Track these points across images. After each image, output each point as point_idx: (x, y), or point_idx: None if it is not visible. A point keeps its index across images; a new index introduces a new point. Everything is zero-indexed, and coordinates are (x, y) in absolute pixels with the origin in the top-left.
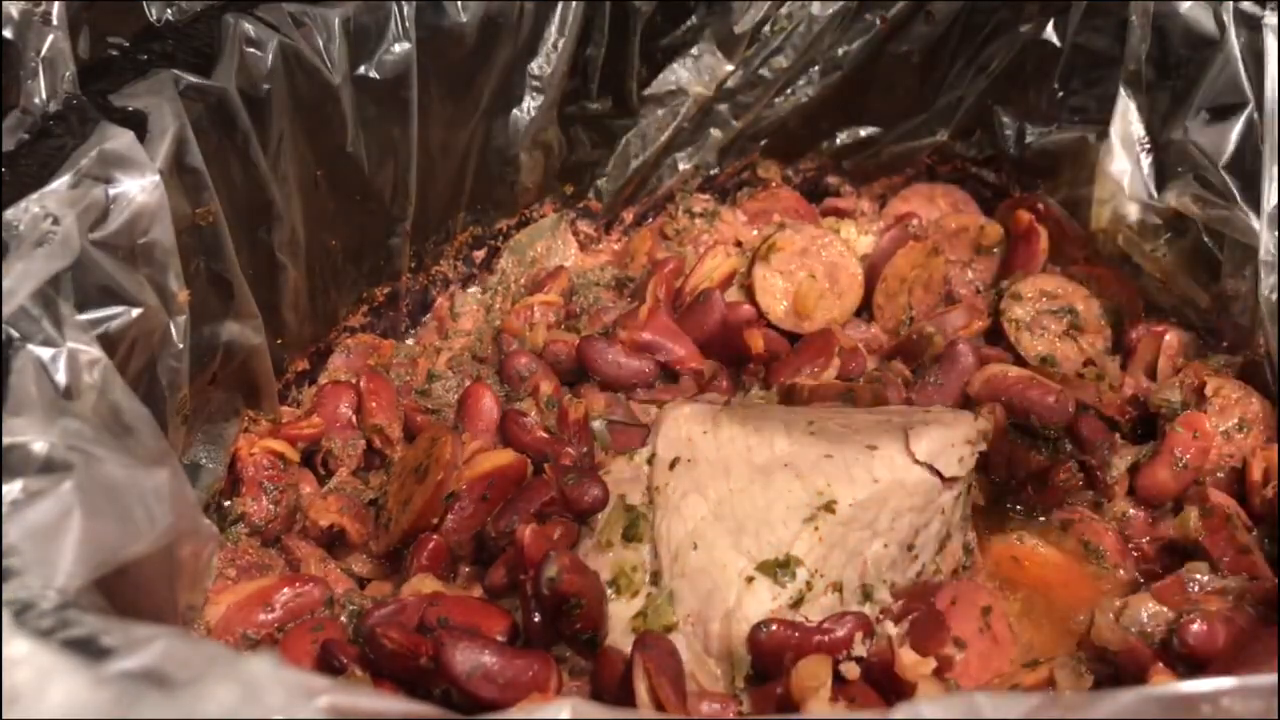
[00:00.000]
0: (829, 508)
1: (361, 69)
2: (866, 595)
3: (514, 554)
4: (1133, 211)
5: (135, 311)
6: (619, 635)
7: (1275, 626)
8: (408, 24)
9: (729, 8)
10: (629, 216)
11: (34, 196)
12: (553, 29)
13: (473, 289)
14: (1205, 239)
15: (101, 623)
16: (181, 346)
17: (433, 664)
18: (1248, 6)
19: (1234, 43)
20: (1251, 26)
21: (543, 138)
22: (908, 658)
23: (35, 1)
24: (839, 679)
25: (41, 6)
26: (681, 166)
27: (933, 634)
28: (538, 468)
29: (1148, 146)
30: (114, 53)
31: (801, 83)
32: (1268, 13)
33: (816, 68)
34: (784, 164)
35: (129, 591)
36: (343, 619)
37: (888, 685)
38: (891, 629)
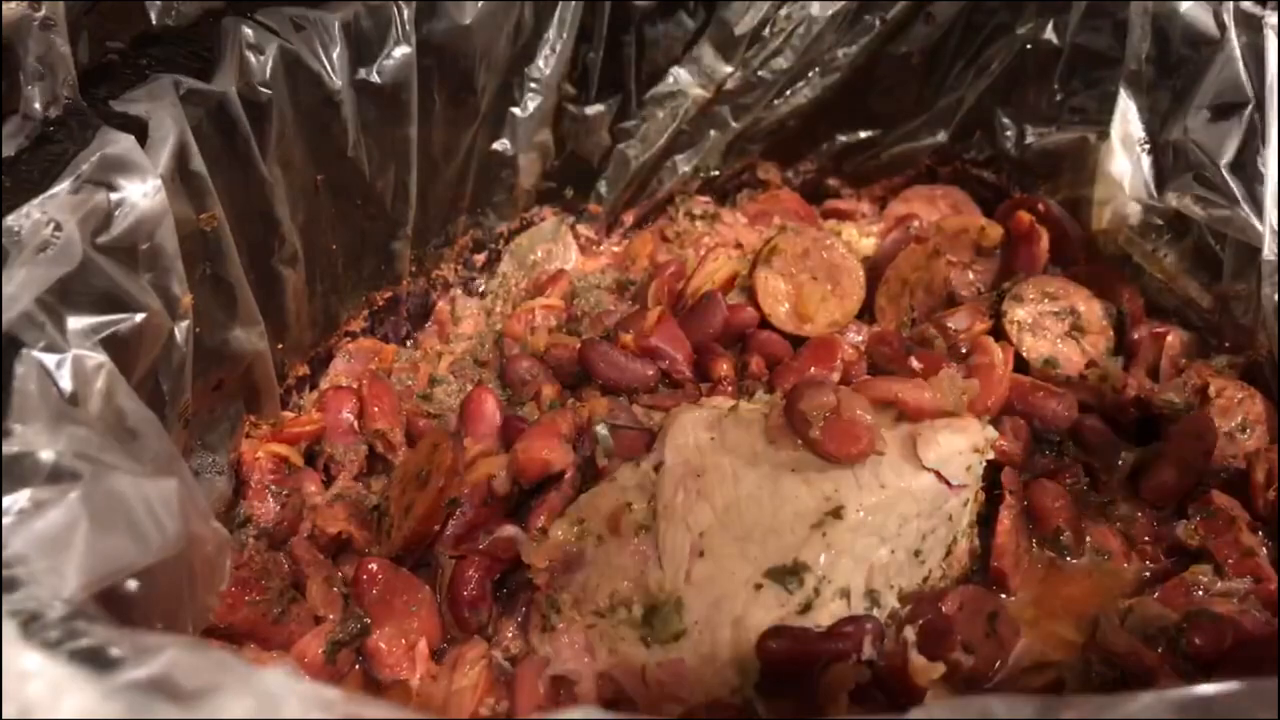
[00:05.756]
0: (836, 514)
1: (362, 73)
2: (873, 601)
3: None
4: (1134, 212)
5: (139, 317)
6: (629, 646)
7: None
8: (407, 27)
9: (729, 9)
10: (629, 219)
11: (35, 202)
12: (552, 31)
13: (474, 293)
14: (1207, 239)
15: (109, 633)
16: (185, 351)
17: None
18: (1248, 6)
19: (1234, 43)
20: (1251, 26)
21: (542, 140)
22: (918, 662)
23: (35, 6)
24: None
25: (41, 10)
26: (681, 169)
27: (940, 639)
28: None
29: (1148, 147)
30: (114, 57)
31: (801, 84)
32: (1268, 13)
33: (816, 69)
34: (784, 166)
35: (142, 597)
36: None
37: (897, 690)
38: (904, 634)
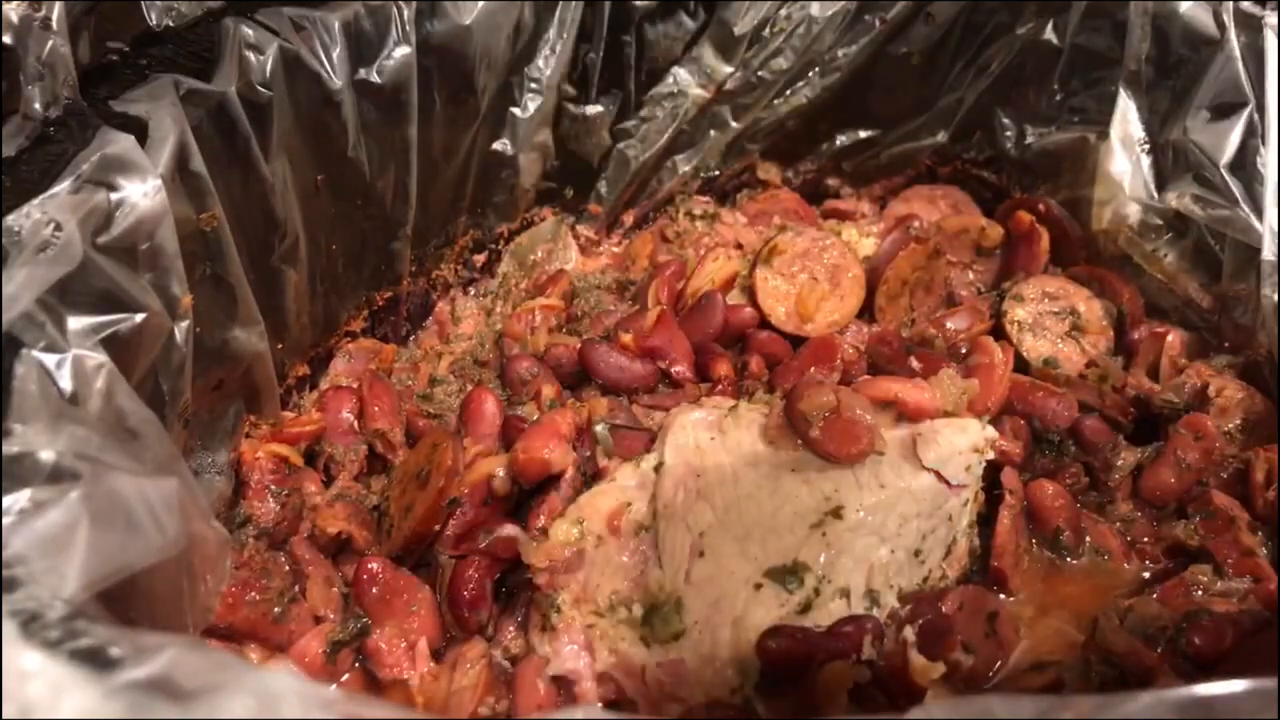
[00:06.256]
0: (836, 514)
1: (362, 73)
2: (873, 601)
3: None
4: (1134, 212)
5: (139, 317)
6: (629, 645)
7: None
8: (408, 27)
9: (729, 9)
10: (629, 219)
11: (35, 202)
12: (552, 31)
13: (473, 293)
14: (1207, 239)
15: (109, 632)
16: (185, 351)
17: None
18: (1248, 6)
19: (1234, 43)
20: (1251, 26)
21: (542, 140)
22: (918, 662)
23: (35, 6)
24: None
25: (41, 11)
26: (681, 169)
27: (940, 639)
28: None
29: (1147, 147)
30: (114, 57)
31: (801, 84)
32: (1268, 13)
33: (816, 69)
34: (784, 166)
35: (143, 597)
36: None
37: (897, 690)
38: (904, 634)
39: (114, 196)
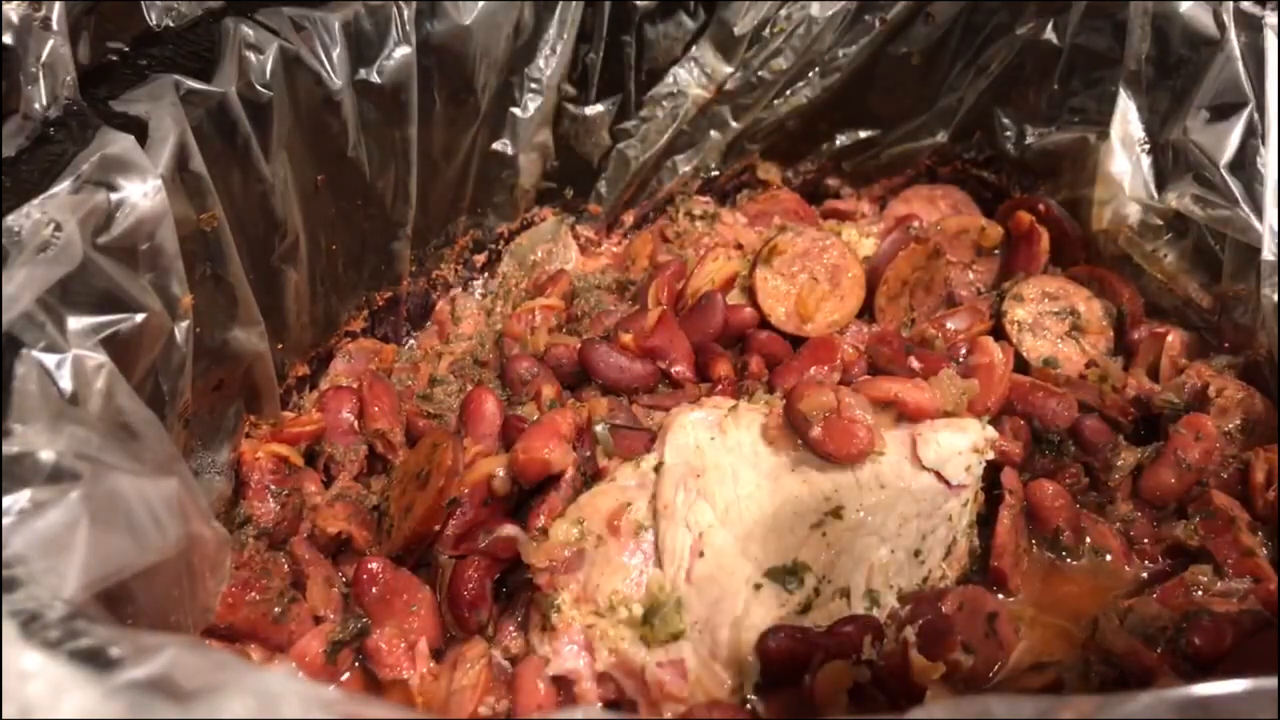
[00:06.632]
0: (836, 514)
1: (362, 73)
2: (873, 600)
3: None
4: (1134, 212)
5: (139, 317)
6: (629, 645)
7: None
8: (408, 27)
9: (729, 9)
10: (629, 219)
11: (35, 202)
12: (552, 31)
13: (474, 293)
14: (1207, 239)
15: (109, 633)
16: (185, 351)
17: None
18: (1248, 6)
19: (1234, 43)
20: (1251, 26)
21: (542, 140)
22: (918, 662)
23: (35, 6)
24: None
25: (41, 11)
26: (681, 169)
27: (940, 639)
28: None
29: (1147, 147)
30: (114, 58)
31: (801, 84)
32: (1268, 13)
33: (816, 69)
34: (784, 166)
35: (143, 597)
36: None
37: (896, 690)
38: (904, 634)
39: (114, 196)
